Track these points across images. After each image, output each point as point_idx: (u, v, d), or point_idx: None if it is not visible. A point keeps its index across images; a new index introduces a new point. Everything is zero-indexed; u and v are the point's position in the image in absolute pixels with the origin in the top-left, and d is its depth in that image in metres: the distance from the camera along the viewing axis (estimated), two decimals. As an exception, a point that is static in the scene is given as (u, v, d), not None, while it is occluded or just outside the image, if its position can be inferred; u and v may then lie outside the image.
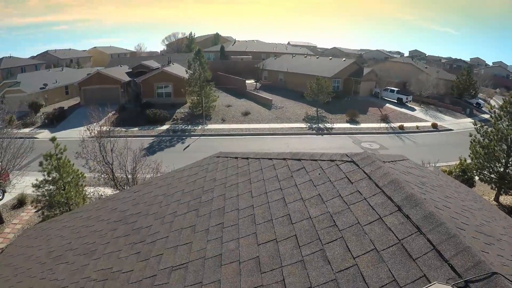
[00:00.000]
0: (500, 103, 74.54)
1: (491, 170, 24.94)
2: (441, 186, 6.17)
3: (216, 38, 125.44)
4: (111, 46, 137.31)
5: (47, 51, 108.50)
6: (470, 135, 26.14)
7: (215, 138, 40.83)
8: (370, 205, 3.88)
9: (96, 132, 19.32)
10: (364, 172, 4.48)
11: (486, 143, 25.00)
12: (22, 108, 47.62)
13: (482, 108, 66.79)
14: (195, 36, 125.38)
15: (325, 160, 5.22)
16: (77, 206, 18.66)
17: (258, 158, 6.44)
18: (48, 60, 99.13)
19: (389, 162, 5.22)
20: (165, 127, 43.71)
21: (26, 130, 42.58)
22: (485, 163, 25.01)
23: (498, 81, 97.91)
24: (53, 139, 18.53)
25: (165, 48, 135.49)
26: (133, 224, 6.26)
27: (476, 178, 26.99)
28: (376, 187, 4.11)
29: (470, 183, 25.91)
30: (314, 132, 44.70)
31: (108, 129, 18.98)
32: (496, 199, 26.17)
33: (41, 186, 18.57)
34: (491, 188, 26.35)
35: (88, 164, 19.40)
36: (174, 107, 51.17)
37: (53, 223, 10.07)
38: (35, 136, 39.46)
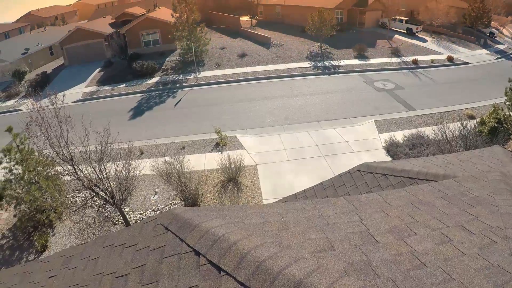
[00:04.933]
0: (514, 31, 69.96)
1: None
2: None
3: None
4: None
5: (29, 12, 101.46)
6: (510, 81, 21.78)
7: (209, 87, 36.55)
8: None
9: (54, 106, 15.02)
10: None
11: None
12: (5, 78, 44.59)
13: (496, 38, 62.33)
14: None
15: None
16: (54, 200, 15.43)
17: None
18: (32, 21, 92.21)
19: None
20: (154, 79, 39.33)
21: (11, 102, 38.88)
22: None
23: (509, 9, 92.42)
24: (9, 129, 15.52)
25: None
26: None
27: None
28: None
29: (507, 133, 22.04)
30: (320, 71, 40.31)
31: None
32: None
33: (5, 187, 15.57)
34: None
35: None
36: (164, 56, 46.60)
37: None
38: (19, 109, 35.39)
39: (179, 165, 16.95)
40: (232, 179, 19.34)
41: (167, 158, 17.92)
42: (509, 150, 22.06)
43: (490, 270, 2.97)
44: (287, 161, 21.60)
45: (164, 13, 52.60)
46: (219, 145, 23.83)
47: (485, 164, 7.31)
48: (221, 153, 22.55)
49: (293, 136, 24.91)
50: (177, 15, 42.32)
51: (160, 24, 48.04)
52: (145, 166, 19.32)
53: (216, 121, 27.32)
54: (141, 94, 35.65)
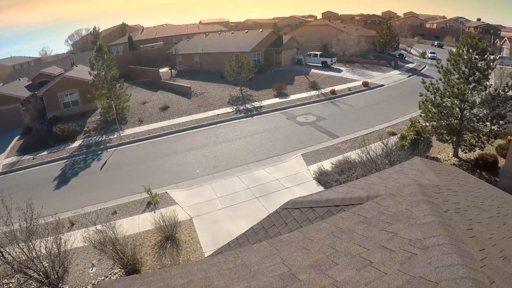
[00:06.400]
0: (421, 51, 78.30)
1: (449, 129, 22.69)
2: None
3: (123, 29, 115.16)
4: (12, 56, 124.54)
5: None
6: (421, 95, 23.70)
7: (134, 145, 35.69)
8: None
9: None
10: None
11: (438, 101, 22.67)
12: None
13: (405, 59, 68.21)
14: (100, 31, 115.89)
15: None
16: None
17: None
18: None
19: None
20: (77, 143, 37.80)
21: None
22: (441, 121, 22.79)
23: (414, 30, 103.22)
24: None
25: (71, 49, 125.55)
26: None
27: (434, 138, 24.83)
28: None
29: (427, 142, 23.51)
30: (243, 115, 40.88)
31: None
32: (456, 155, 24.44)
33: None
34: (453, 146, 24.37)
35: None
36: (85, 116, 45.30)
37: None
38: None
39: (111, 232, 16.31)
40: (170, 237, 18.76)
41: (98, 227, 17.19)
42: (432, 157, 23.61)
43: (412, 283, 3.05)
44: (222, 209, 21.36)
45: (82, 72, 51.33)
46: (151, 204, 23.10)
47: (406, 177, 7.66)
48: (154, 212, 21.84)
49: (224, 183, 24.79)
50: (95, 72, 41.55)
51: (79, 83, 46.76)
52: (76, 238, 18.27)
53: (145, 179, 26.62)
54: (65, 160, 34.07)
